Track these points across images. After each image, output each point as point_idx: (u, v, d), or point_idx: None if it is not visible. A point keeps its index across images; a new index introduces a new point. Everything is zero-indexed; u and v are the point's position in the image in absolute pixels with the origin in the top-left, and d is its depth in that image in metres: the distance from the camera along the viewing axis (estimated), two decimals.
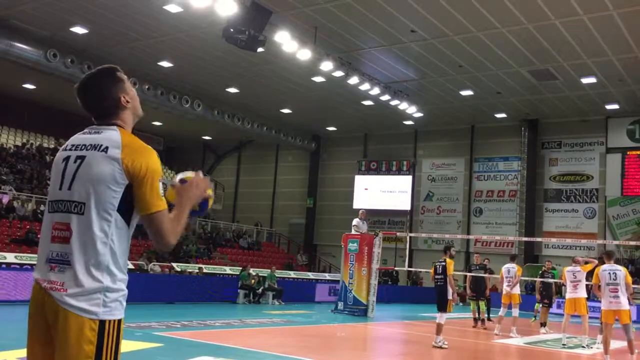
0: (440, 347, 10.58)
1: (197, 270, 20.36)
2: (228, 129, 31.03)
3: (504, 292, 14.10)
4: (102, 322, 2.38)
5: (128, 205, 2.44)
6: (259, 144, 37.52)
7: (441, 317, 10.81)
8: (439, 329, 10.76)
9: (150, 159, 2.46)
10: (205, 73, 24.87)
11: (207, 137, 38.37)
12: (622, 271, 9.39)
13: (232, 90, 27.11)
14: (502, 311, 14.07)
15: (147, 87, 24.75)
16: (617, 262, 9.86)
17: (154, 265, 19.71)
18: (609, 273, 9.35)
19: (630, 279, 9.52)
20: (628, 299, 9.65)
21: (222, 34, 17.18)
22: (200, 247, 26.02)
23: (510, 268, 14.24)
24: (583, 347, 11.72)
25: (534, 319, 18.66)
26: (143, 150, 2.48)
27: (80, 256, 2.38)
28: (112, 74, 2.65)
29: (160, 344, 8.61)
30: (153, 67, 24.00)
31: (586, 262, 12.99)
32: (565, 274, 12.47)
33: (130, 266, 19.04)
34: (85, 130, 2.61)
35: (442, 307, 10.82)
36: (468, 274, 16.33)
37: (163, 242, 2.47)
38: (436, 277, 11.07)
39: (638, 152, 27.14)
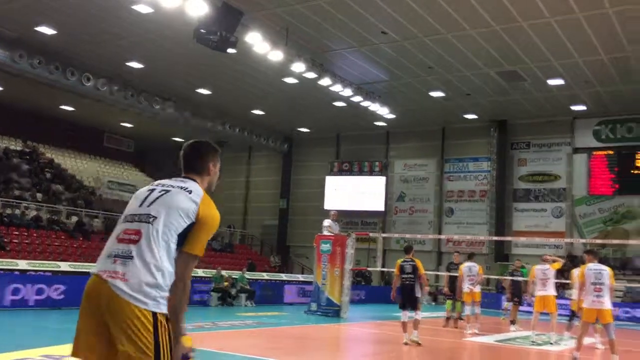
0: (418, 343, 10.77)
1: None
2: (199, 131, 30.78)
3: (466, 290, 14.26)
4: (154, 314, 2.76)
5: (182, 238, 2.96)
6: (231, 146, 37.26)
7: (415, 314, 10.99)
8: (415, 324, 10.99)
9: (217, 217, 3.12)
10: (176, 74, 24.66)
11: (178, 139, 37.97)
12: (607, 271, 9.49)
13: (204, 91, 26.93)
14: (467, 309, 14.25)
15: (116, 88, 24.45)
16: (588, 261, 9.98)
17: None
18: (595, 272, 9.46)
19: (614, 280, 9.68)
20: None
21: (193, 34, 17.06)
22: None
23: (472, 267, 14.41)
24: (551, 343, 11.94)
25: (503, 316, 18.96)
26: (214, 208, 3.13)
27: (144, 255, 2.82)
28: (214, 147, 3.42)
29: None
30: (122, 68, 23.68)
31: (554, 261, 13.24)
32: (534, 272, 12.70)
33: None
34: (173, 178, 3.27)
35: (413, 306, 10.98)
36: (446, 273, 16.49)
37: (179, 280, 2.94)
38: (404, 276, 11.20)
39: (603, 153, 27.76)
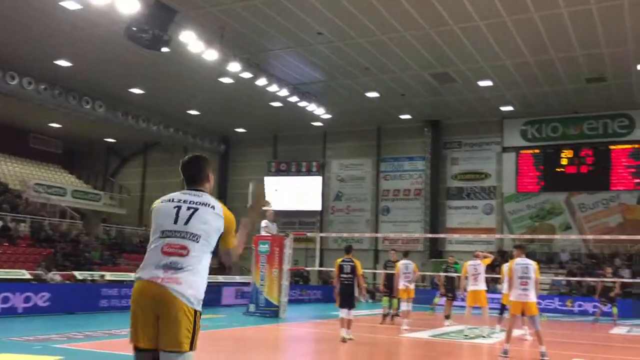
0: (350, 339, 11.05)
1: (100, 278, 19.53)
2: (132, 131, 30.03)
3: (401, 287, 14.56)
4: (195, 311, 3.65)
5: (216, 243, 3.88)
6: (165, 146, 36.55)
7: (349, 314, 11.24)
8: (349, 323, 11.22)
9: (234, 219, 4.00)
10: (107, 73, 23.93)
11: (110, 140, 36.92)
12: (533, 265, 9.91)
13: (136, 90, 26.25)
14: (404, 305, 14.55)
15: (43, 87, 23.49)
16: (516, 256, 10.38)
17: (53, 274, 18.71)
18: (522, 267, 9.84)
19: (539, 274, 10.09)
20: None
21: (124, 32, 16.61)
22: (104, 254, 25.01)
23: (408, 264, 14.73)
24: (483, 336, 12.34)
25: (431, 310, 19.46)
26: (228, 210, 3.97)
27: (193, 266, 3.67)
28: (206, 157, 4.22)
29: (61, 357, 8.19)
30: (50, 67, 22.74)
31: (485, 257, 13.71)
32: (466, 267, 13.10)
33: (28, 276, 17.97)
34: (185, 191, 4.02)
35: (351, 305, 11.21)
36: (383, 271, 16.76)
37: (230, 261, 4.07)
38: (343, 276, 11.38)
39: (530, 152, 28.97)
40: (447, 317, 15.74)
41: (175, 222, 3.76)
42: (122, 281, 19.85)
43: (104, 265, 23.48)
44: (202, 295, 3.69)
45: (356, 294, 11.35)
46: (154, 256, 3.66)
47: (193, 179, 4.11)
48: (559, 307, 23.38)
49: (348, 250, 11.87)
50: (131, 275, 21.66)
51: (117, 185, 36.14)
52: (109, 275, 20.33)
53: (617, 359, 9.90)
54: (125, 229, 30.62)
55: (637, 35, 18.97)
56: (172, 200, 3.92)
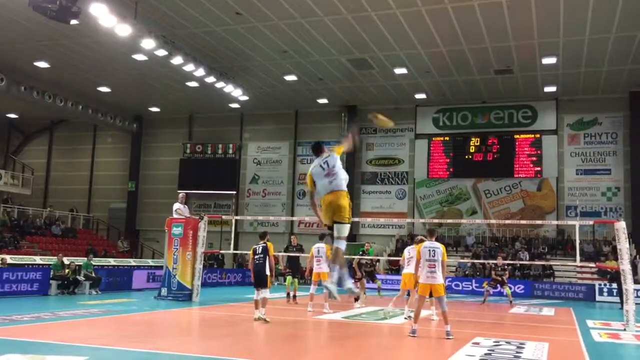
0: (265, 320, 11.25)
1: (0, 262, 18.48)
2: (37, 107, 28.45)
3: (314, 270, 14.79)
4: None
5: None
6: (73, 124, 34.94)
7: (264, 292, 11.56)
8: (264, 302, 11.49)
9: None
10: (10, 44, 22.48)
11: (12, 115, 34.80)
12: (440, 249, 10.29)
13: (42, 64, 24.87)
14: (312, 288, 14.77)
15: None
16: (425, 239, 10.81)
17: None
18: (429, 250, 10.21)
19: (446, 257, 10.50)
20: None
21: (29, 1, 15.63)
22: (5, 236, 23.66)
23: (320, 248, 14.93)
24: (406, 318, 12.73)
25: (378, 294, 19.66)
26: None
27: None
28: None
29: None
30: None
31: (421, 241, 13.99)
32: (404, 253, 13.39)
33: None
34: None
35: (264, 284, 11.40)
36: (285, 254, 17.35)
37: None
38: (256, 257, 11.61)
39: (441, 139, 30.05)
40: (357, 299, 16.00)
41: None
42: (25, 264, 18.89)
43: (4, 247, 22.22)
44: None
45: (268, 272, 11.55)
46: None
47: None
48: (467, 288, 24.52)
49: (262, 236, 12.15)
50: (35, 259, 20.68)
51: (20, 163, 34.14)
52: (9, 259, 19.26)
53: (515, 336, 10.57)
54: (28, 210, 29.02)
55: (542, 30, 20.06)
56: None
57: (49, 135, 36.90)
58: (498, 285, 19.21)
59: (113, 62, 24.38)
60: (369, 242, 19.37)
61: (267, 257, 11.59)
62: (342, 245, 7.82)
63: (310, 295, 14.61)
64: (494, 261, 19.80)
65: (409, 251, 13.23)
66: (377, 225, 30.16)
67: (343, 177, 7.76)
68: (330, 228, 7.83)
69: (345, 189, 7.85)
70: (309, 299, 14.56)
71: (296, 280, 17.16)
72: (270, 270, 11.67)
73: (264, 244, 11.77)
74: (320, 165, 7.87)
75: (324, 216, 7.96)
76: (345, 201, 7.74)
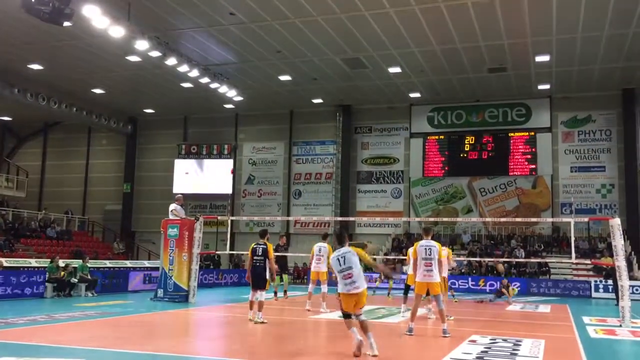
0: (262, 322, 11.08)
1: None
2: (31, 109, 28.35)
3: (313, 269, 14.79)
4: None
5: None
6: (68, 126, 34.85)
7: (261, 295, 11.40)
8: (260, 305, 11.27)
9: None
10: (3, 46, 22.41)
11: (6, 118, 34.70)
12: (436, 247, 10.29)
13: (36, 66, 24.79)
14: (310, 287, 14.77)
15: None
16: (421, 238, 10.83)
17: None
18: (425, 249, 10.19)
19: (442, 255, 10.51)
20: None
21: (21, 4, 15.58)
22: None
23: (322, 247, 14.91)
24: (402, 317, 12.74)
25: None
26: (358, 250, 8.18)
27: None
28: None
29: None
30: None
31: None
32: (409, 252, 13.34)
33: None
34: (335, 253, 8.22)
35: (262, 286, 11.31)
36: (275, 253, 17.45)
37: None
38: (256, 258, 11.47)
39: (436, 137, 30.10)
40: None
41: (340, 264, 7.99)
42: (20, 267, 18.82)
43: None
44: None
45: (267, 276, 11.46)
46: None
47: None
48: (462, 286, 24.55)
49: (263, 234, 12.02)
50: (30, 262, 20.61)
51: (14, 166, 34.03)
52: (4, 262, 19.18)
53: (511, 334, 10.59)
54: (23, 212, 28.91)
55: (535, 28, 20.11)
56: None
57: (43, 138, 36.79)
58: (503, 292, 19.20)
59: (107, 63, 24.32)
60: (368, 241, 19.36)
61: (267, 260, 11.48)
62: (363, 317, 8.22)
63: (308, 294, 14.61)
64: (490, 259, 19.87)
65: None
66: (373, 225, 30.19)
67: (359, 273, 7.93)
68: (347, 312, 8.13)
69: (365, 285, 8.09)
70: (307, 298, 14.57)
71: (285, 276, 17.32)
72: (271, 273, 11.59)
73: (264, 245, 11.58)
74: (338, 259, 8.02)
75: (344, 304, 8.14)
76: (365, 296, 8.11)
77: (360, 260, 8.01)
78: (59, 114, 29.61)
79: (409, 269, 13.08)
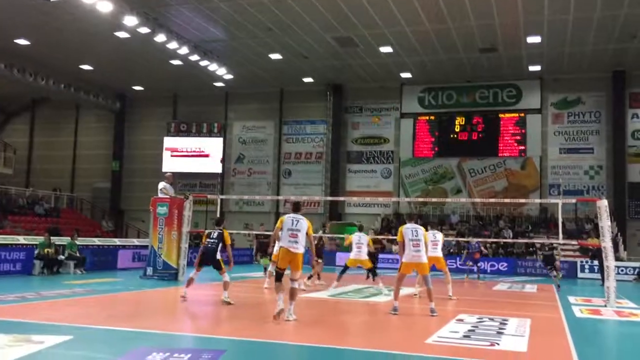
0: (229, 303, 11.05)
1: None
2: (18, 85, 27.97)
3: (353, 257, 14.55)
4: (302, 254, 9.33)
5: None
6: (55, 103, 34.46)
7: (226, 276, 11.41)
8: (226, 285, 11.35)
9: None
10: None
11: None
12: (422, 229, 10.50)
13: (22, 41, 24.42)
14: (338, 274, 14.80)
15: None
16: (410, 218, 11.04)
17: None
18: (412, 230, 10.35)
19: (427, 238, 10.70)
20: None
21: None
22: None
23: (361, 235, 14.45)
24: (415, 295, 12.88)
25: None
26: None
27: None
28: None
29: None
30: None
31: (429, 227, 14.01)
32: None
33: None
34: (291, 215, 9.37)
35: (218, 266, 11.34)
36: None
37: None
38: (210, 240, 11.41)
39: (426, 118, 30.09)
40: (310, 277, 15.84)
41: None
42: (8, 244, 18.72)
43: None
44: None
45: (218, 256, 11.43)
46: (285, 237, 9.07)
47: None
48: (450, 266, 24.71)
49: (218, 222, 11.90)
50: (18, 239, 20.50)
51: (1, 142, 33.66)
52: None
53: (498, 313, 10.73)
54: (11, 189, 28.69)
55: (527, 8, 20.03)
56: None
57: (30, 114, 36.40)
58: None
59: (95, 39, 24.00)
60: (358, 222, 19.32)
61: (221, 244, 11.36)
62: (296, 285, 9.16)
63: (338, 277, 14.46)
64: (478, 239, 20.00)
65: (435, 235, 13.29)
66: (362, 205, 30.27)
67: (303, 239, 9.14)
68: (280, 269, 9.21)
69: (303, 251, 9.22)
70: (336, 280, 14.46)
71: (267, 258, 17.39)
72: (228, 260, 11.60)
73: (220, 230, 11.51)
74: (292, 220, 9.20)
75: (280, 261, 9.20)
76: (301, 261, 9.17)
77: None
78: (46, 90, 29.27)
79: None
